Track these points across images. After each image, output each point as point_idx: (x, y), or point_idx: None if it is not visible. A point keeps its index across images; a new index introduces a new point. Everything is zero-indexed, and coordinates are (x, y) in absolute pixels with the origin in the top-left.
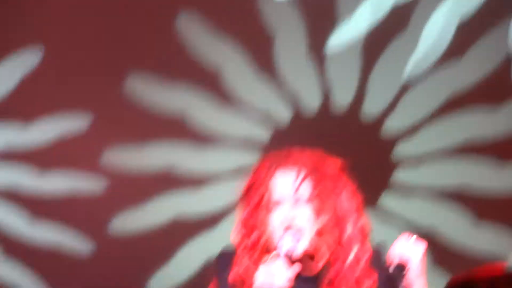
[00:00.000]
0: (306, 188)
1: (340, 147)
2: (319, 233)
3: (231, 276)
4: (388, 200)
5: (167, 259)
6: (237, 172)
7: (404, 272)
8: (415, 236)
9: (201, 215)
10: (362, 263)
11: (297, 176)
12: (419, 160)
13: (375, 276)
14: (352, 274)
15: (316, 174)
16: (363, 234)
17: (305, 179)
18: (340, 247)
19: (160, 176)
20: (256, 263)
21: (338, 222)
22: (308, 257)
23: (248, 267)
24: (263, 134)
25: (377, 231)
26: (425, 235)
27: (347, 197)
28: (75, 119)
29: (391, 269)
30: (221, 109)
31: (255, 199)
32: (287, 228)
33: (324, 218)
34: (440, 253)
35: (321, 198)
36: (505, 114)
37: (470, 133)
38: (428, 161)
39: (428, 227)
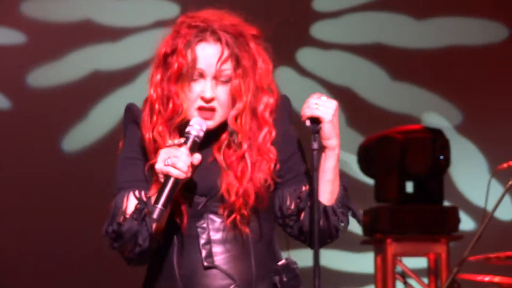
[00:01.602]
0: (228, 67)
1: None
2: (234, 117)
3: (146, 139)
4: (304, 56)
5: (83, 115)
6: (156, 25)
7: (319, 127)
8: (325, 96)
9: (119, 69)
10: (269, 142)
11: (222, 55)
12: (337, 13)
13: (274, 158)
14: (258, 153)
15: (238, 51)
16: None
17: (228, 59)
18: (250, 128)
19: (78, 29)
20: (168, 135)
21: (252, 102)
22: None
23: (162, 135)
24: None
25: (293, 87)
26: (341, 93)
27: (261, 74)
28: None
29: (306, 123)
30: None
31: (174, 68)
32: (202, 107)
33: (242, 103)
34: (356, 111)
35: (241, 79)
36: None
37: None
38: (345, 15)
39: (344, 85)
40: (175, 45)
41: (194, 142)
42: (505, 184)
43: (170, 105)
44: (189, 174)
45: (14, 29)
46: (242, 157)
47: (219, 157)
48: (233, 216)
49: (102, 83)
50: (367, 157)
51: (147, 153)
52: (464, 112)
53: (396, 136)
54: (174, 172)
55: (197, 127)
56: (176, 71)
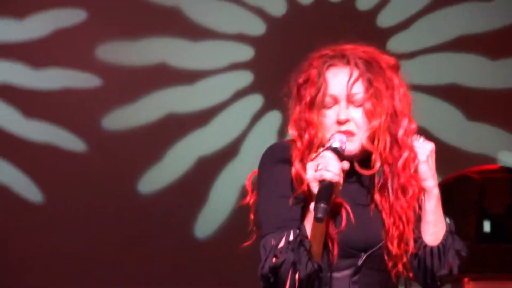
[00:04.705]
0: (360, 89)
1: (336, 37)
2: (370, 137)
3: (293, 172)
4: None
5: (159, 157)
6: (231, 67)
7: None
8: (423, 137)
9: (194, 112)
10: (412, 168)
11: (351, 76)
12: (412, 55)
13: (419, 186)
14: (399, 179)
15: (370, 74)
16: (412, 138)
17: (359, 79)
18: (390, 152)
19: (153, 72)
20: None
21: (390, 126)
22: (358, 159)
23: (305, 165)
24: (257, 27)
25: None
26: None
27: (400, 99)
28: (69, 14)
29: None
30: (215, 3)
31: (307, 98)
32: (339, 130)
33: (377, 122)
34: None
35: (374, 100)
36: (498, 9)
37: (463, 29)
38: (420, 56)
39: (420, 127)
40: (307, 76)
41: (337, 151)
42: None
43: (306, 136)
44: (341, 179)
45: (90, 73)
46: (386, 187)
47: (377, 198)
48: (396, 268)
49: (177, 126)
50: (444, 197)
51: (296, 190)
52: None
53: (474, 176)
54: (328, 175)
55: (338, 138)
56: (309, 100)
